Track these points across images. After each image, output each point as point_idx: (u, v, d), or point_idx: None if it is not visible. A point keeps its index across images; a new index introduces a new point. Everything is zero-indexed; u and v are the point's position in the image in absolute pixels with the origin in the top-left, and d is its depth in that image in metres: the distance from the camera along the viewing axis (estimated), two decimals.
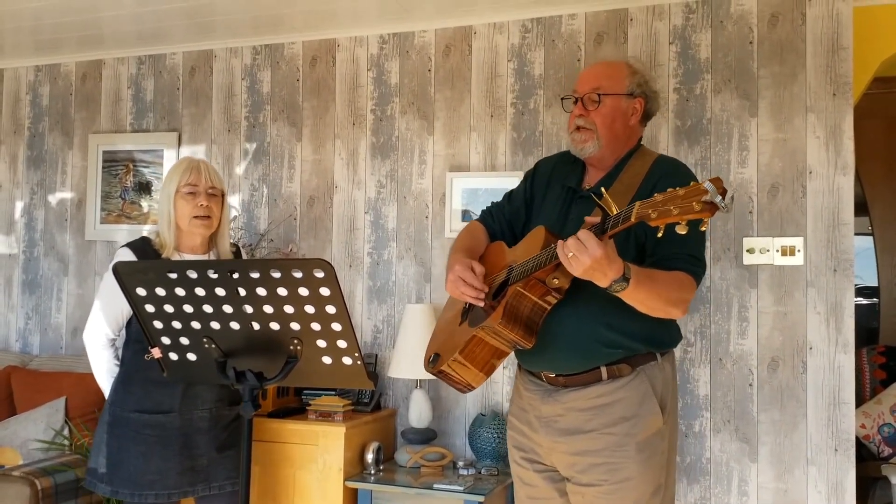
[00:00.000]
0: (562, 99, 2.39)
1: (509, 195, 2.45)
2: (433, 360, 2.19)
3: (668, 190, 1.71)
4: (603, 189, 1.90)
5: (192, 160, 2.77)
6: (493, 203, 2.49)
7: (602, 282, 1.87)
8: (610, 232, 1.82)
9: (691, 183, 1.69)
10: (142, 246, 2.71)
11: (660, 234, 1.75)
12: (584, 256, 1.81)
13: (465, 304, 2.22)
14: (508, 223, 2.40)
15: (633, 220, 1.75)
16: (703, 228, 1.70)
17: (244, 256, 3.00)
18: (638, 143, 2.29)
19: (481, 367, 2.09)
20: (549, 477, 2.22)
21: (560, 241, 1.86)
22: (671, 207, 1.68)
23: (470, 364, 2.08)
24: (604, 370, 2.11)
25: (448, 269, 2.22)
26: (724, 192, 1.65)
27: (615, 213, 1.82)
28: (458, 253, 2.28)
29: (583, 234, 1.82)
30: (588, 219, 1.88)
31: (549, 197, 2.31)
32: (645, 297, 1.95)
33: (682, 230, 1.70)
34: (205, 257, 2.77)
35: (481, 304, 2.11)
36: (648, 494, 2.10)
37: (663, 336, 2.16)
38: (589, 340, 2.09)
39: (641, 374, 2.11)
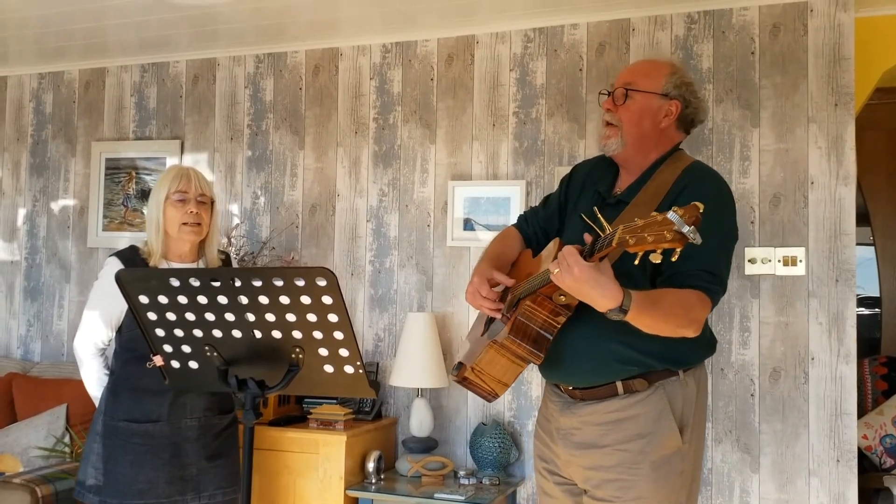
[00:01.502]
0: (599, 93, 2.32)
1: (546, 199, 2.40)
2: (456, 369, 2.18)
3: (652, 214, 1.65)
4: (595, 209, 1.84)
5: (182, 168, 2.76)
6: (530, 207, 2.45)
7: (595, 306, 1.81)
8: (598, 255, 1.76)
9: (674, 208, 1.61)
10: (130, 255, 2.71)
11: (636, 262, 1.68)
12: (565, 275, 1.76)
13: None
14: (543, 229, 2.35)
15: (614, 245, 1.69)
16: (673, 259, 1.63)
17: (234, 264, 2.98)
18: (673, 148, 2.17)
19: (500, 377, 2.07)
20: (567, 490, 2.19)
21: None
22: (646, 235, 1.62)
23: (489, 374, 2.06)
24: (619, 385, 2.05)
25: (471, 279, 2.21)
26: (695, 221, 1.58)
27: (605, 234, 1.75)
28: (484, 262, 2.24)
29: (566, 250, 1.78)
30: (586, 236, 1.82)
31: (581, 202, 2.23)
32: (650, 323, 1.87)
33: (656, 259, 1.63)
34: (193, 265, 2.76)
35: (499, 315, 2.09)
36: None
37: (683, 354, 2.05)
38: (602, 356, 2.03)
39: (660, 389, 2.04)
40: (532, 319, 1.98)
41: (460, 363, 2.18)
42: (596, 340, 2.02)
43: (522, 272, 2.21)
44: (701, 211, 1.60)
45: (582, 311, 1.94)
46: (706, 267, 1.95)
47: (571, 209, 2.27)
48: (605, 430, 2.06)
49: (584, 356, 2.05)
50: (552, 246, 2.08)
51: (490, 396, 2.13)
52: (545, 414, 2.26)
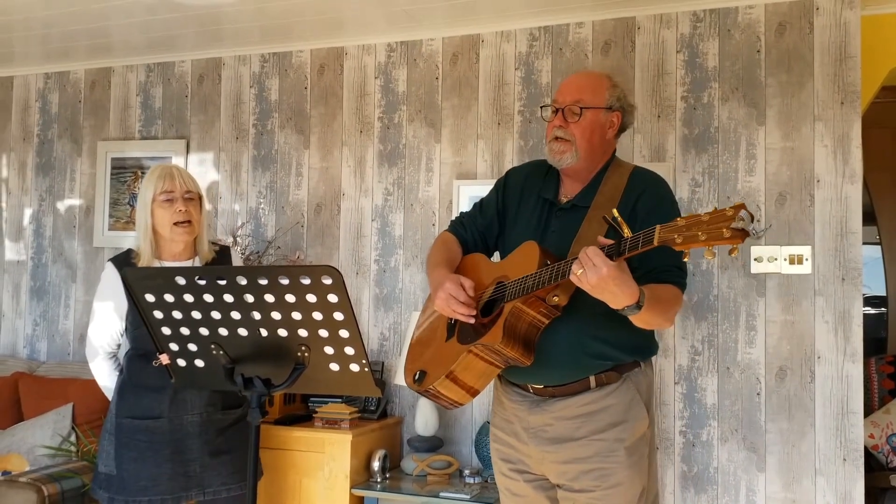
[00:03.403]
0: (541, 107, 2.38)
1: (480, 205, 2.42)
2: (419, 379, 2.15)
3: (690, 214, 1.74)
4: (615, 211, 1.90)
5: (165, 167, 2.75)
6: (462, 213, 2.47)
7: (612, 303, 1.88)
8: (628, 254, 1.82)
9: (714, 209, 1.71)
10: (125, 258, 2.72)
11: (686, 258, 1.78)
12: (591, 274, 1.82)
13: (450, 318, 2.18)
14: (482, 234, 2.38)
15: (655, 243, 1.76)
16: (734, 255, 1.71)
17: (234, 257, 2.96)
18: (612, 154, 2.29)
19: (471, 385, 2.09)
20: (539, 486, 2.22)
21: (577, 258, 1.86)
22: (698, 233, 1.69)
23: (461, 382, 2.07)
24: (592, 379, 2.13)
25: (434, 285, 2.20)
26: (752, 218, 1.67)
27: (629, 235, 1.82)
28: (441, 268, 2.25)
29: (591, 251, 1.83)
30: (601, 239, 1.88)
31: (523, 209, 2.30)
32: (650, 318, 1.97)
33: (709, 256, 1.72)
34: (188, 264, 2.76)
35: (472, 321, 2.10)
36: (636, 498, 2.12)
37: (648, 345, 2.21)
38: (579, 354, 2.10)
39: (628, 380, 2.14)
40: (521, 319, 2.00)
41: (423, 371, 2.16)
42: (573, 338, 2.09)
43: (475, 278, 2.19)
44: (746, 210, 1.69)
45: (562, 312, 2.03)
46: (677, 263, 2.06)
47: (513, 214, 2.32)
48: (579, 423, 2.12)
49: (562, 355, 2.10)
50: (530, 250, 2.07)
51: (454, 406, 2.14)
52: (504, 416, 2.27)
